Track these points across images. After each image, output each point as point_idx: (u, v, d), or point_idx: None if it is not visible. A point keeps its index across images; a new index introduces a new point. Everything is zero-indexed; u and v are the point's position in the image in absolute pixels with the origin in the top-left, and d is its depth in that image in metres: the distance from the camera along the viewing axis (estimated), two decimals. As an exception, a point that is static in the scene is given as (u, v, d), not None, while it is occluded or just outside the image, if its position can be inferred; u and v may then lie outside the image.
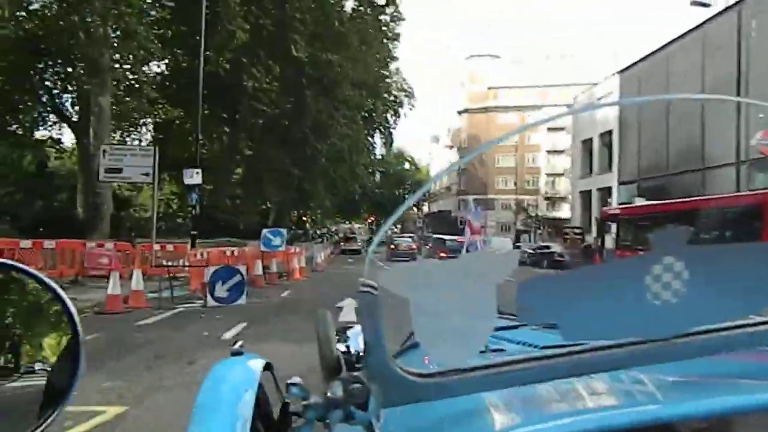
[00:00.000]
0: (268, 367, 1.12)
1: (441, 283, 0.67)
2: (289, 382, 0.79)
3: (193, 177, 16.27)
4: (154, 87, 36.33)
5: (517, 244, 38.40)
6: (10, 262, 0.76)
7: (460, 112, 73.84)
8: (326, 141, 33.48)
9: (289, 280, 16.31)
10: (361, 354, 0.77)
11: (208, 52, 23.05)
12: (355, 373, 0.70)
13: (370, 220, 58.84)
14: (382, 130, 49.73)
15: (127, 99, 35.06)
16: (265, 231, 15.97)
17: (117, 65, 18.71)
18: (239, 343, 1.17)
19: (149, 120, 37.76)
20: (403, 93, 50.32)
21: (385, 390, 0.69)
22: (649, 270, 0.71)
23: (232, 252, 14.48)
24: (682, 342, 0.73)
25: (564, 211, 67.97)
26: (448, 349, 0.68)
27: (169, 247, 14.57)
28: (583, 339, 0.74)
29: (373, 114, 45.57)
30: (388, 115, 49.68)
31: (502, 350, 1.15)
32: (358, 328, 0.91)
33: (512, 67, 70.23)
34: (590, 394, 0.82)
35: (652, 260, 0.72)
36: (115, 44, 18.71)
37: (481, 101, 70.75)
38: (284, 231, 16.20)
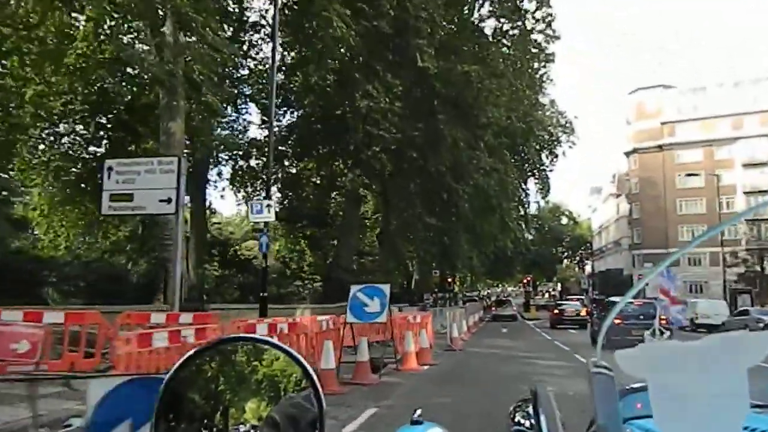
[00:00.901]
0: None
1: (685, 365, 0.61)
2: None
3: (263, 212, 10.85)
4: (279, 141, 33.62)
5: (743, 308, 28.04)
6: (266, 338, 0.86)
7: (627, 154, 63.66)
8: (467, 180, 27.13)
9: (400, 371, 10.16)
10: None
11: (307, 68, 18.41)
12: None
13: (525, 280, 50.57)
14: (536, 174, 42.39)
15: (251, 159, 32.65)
16: (354, 289, 9.58)
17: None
18: (419, 411, 1.24)
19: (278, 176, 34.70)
20: (561, 129, 42.90)
21: None
22: None
23: (274, 329, 7.50)
24: None
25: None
26: None
27: (185, 318, 8.71)
28: None
29: (525, 153, 38.61)
30: (543, 156, 42.36)
31: None
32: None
33: (692, 97, 59.23)
34: None
35: None
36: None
37: (653, 139, 60.24)
38: (386, 289, 9.73)
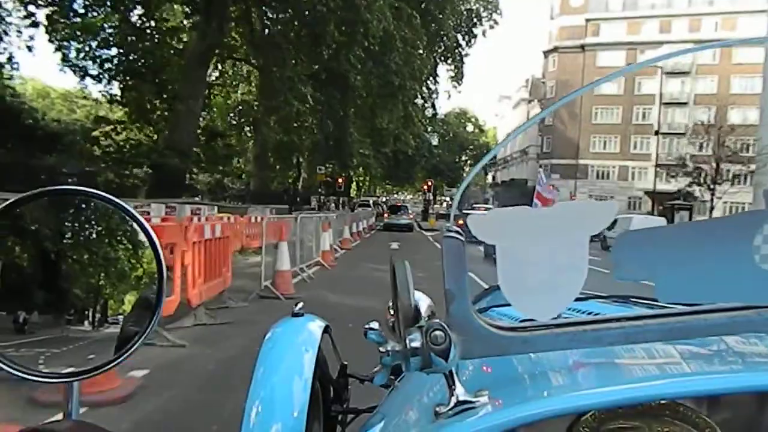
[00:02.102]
0: (326, 329, 1.20)
1: (532, 231, 0.64)
2: (366, 326, 0.78)
3: None
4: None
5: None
6: (92, 190, 0.77)
7: (546, 53, 57.67)
8: (359, 41, 19.14)
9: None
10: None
11: None
12: (436, 320, 0.67)
13: (426, 186, 44.46)
14: (450, 58, 35.07)
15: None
16: None
17: None
18: (300, 305, 1.24)
19: None
20: (482, 3, 35.36)
21: (466, 341, 0.66)
22: (759, 229, 0.63)
23: None
24: None
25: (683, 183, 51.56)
26: (534, 301, 0.65)
27: None
28: (680, 301, 0.70)
29: (439, 28, 30.78)
30: (459, 36, 34.89)
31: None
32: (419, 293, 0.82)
33: (621, -8, 53.44)
34: (674, 359, 0.78)
35: (765, 218, 0.64)
36: None
37: (576, 38, 54.35)
38: None
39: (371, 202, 52.53)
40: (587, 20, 54.33)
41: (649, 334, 0.67)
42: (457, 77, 35.54)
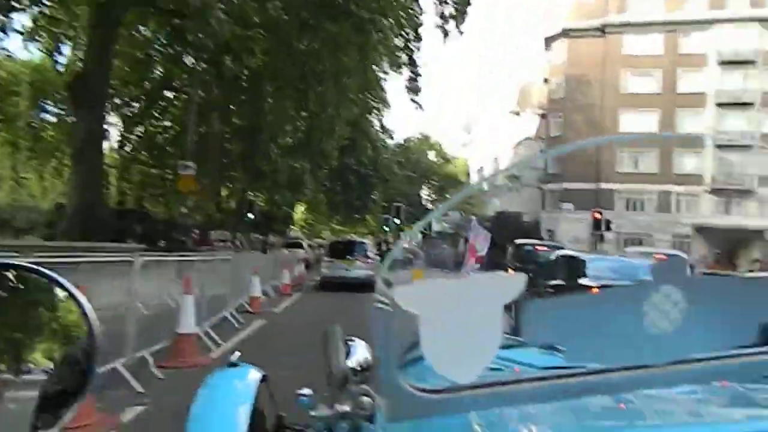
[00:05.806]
0: (264, 379, 1.16)
1: (451, 300, 0.70)
2: (298, 392, 0.82)
3: None
4: None
5: None
6: (17, 261, 0.76)
7: (550, 40, 42.69)
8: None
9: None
10: (363, 367, 0.81)
11: None
12: (363, 386, 0.73)
13: (395, 210, 27.30)
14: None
15: None
16: None
17: None
18: (236, 354, 1.20)
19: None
20: None
21: (392, 404, 0.72)
22: (647, 297, 0.74)
23: None
24: (675, 369, 0.76)
25: (749, 215, 36.76)
26: (454, 365, 0.70)
27: None
28: (585, 362, 0.77)
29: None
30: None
31: (500, 370, 1.10)
32: (360, 342, 0.90)
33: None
34: (590, 414, 0.91)
35: (652, 288, 0.73)
36: None
37: (594, 16, 39.72)
38: None
39: (305, 243, 34.46)
40: (608, -6, 39.97)
41: (567, 392, 0.73)
42: (461, 10, 19.41)
